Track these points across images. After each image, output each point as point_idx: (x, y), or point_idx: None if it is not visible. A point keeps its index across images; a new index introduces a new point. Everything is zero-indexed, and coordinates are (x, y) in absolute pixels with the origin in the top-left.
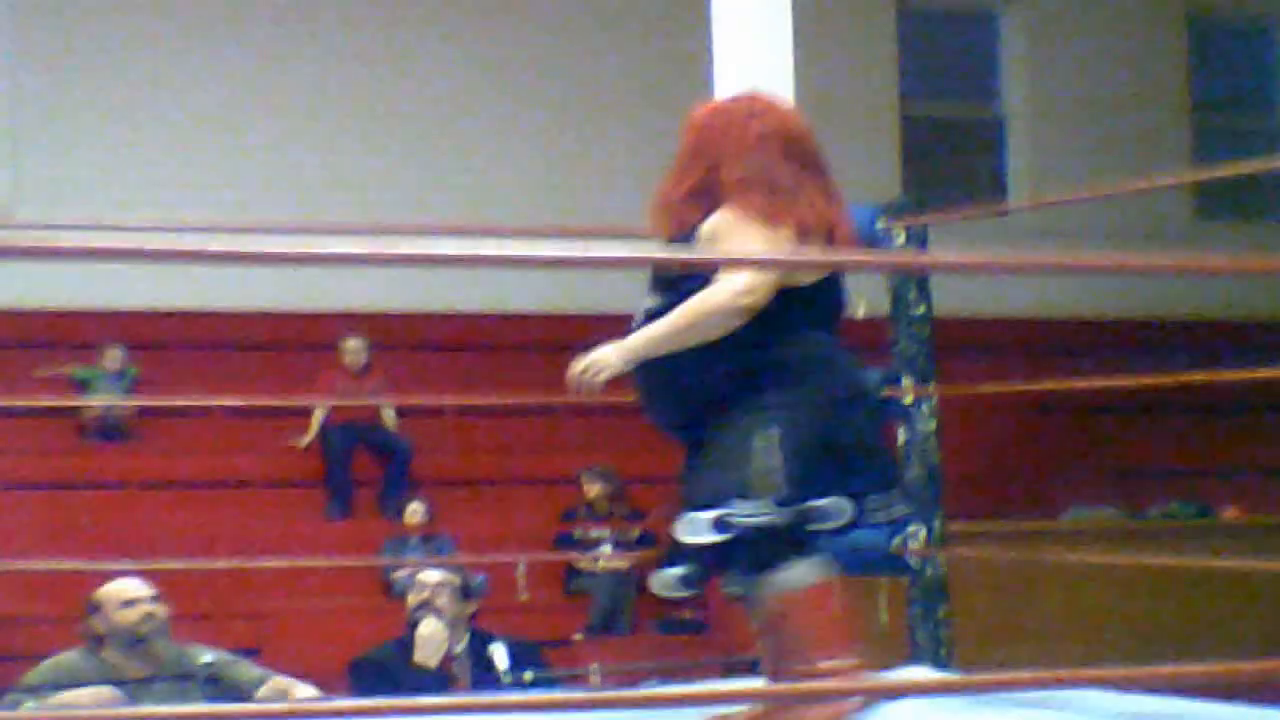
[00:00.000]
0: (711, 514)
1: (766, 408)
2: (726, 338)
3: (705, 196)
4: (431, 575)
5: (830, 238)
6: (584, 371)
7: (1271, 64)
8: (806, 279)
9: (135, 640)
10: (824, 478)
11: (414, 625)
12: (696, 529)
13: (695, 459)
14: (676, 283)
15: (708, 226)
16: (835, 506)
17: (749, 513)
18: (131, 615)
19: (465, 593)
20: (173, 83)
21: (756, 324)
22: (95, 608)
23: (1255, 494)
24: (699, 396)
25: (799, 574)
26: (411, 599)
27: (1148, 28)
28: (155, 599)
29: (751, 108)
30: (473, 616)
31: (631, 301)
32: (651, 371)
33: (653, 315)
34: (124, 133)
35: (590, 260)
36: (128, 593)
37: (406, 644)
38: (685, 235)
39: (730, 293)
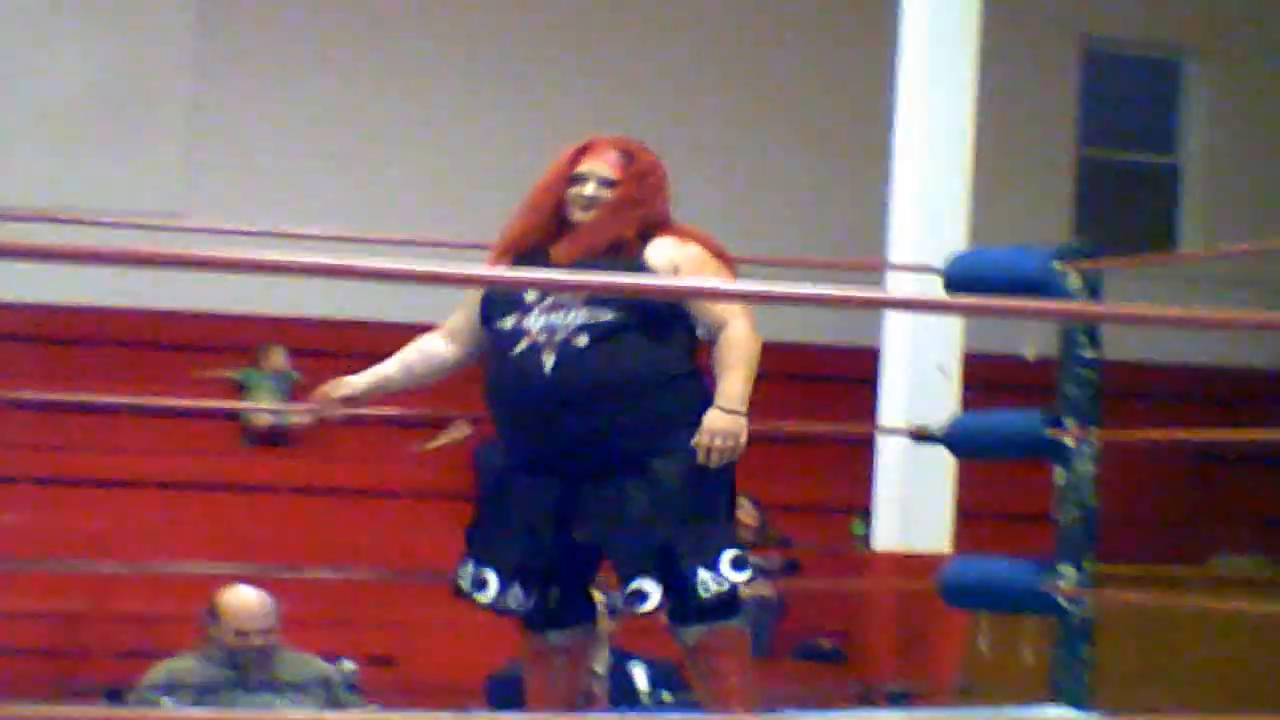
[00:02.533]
0: (730, 554)
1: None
2: (687, 370)
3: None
4: None
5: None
6: (724, 448)
7: None
8: None
9: (239, 665)
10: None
11: None
12: (722, 573)
13: (654, 491)
14: (632, 299)
15: (680, 257)
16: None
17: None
18: (239, 644)
19: (610, 611)
20: (348, 94)
21: (690, 356)
22: (215, 617)
23: None
24: (654, 426)
25: (743, 619)
26: None
27: None
28: (267, 632)
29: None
30: (612, 636)
31: (795, 331)
32: (605, 405)
33: (611, 330)
34: (297, 144)
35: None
36: (242, 622)
37: None
38: (621, 259)
39: (754, 332)
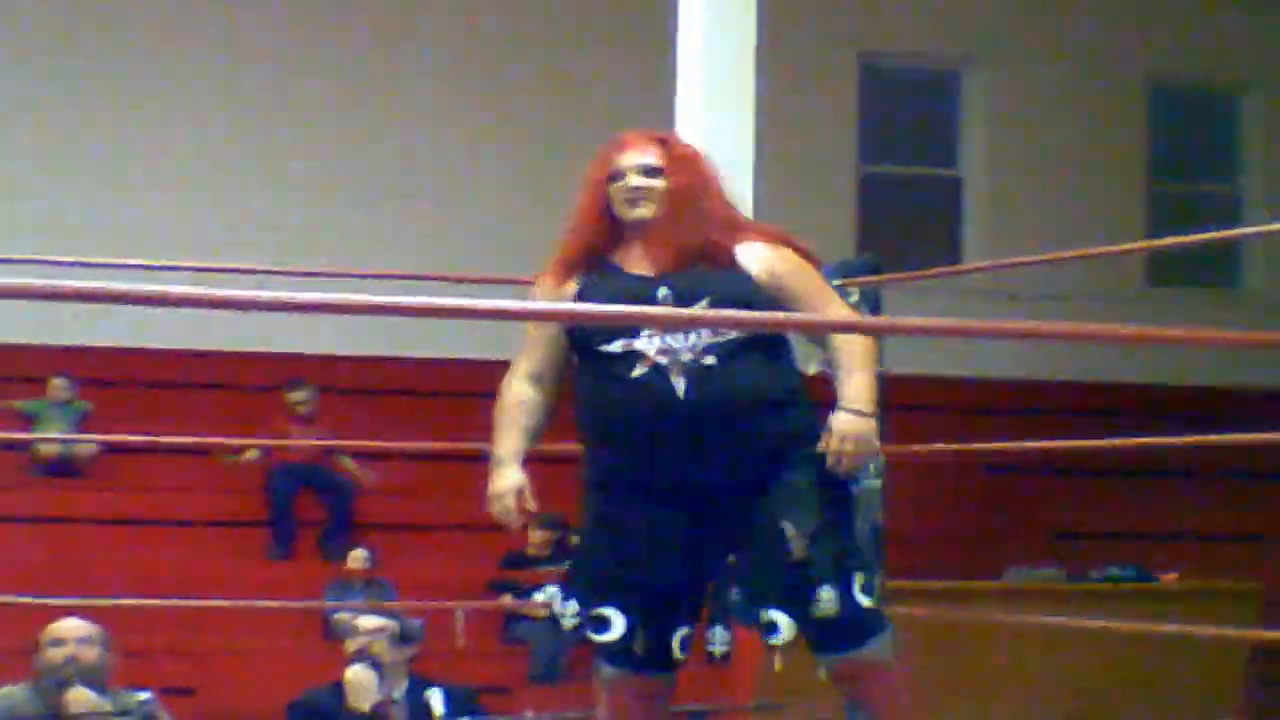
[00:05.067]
0: (860, 578)
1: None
2: (790, 381)
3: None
4: (368, 621)
5: None
6: (857, 454)
7: (1230, 131)
8: None
9: (59, 681)
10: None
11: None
12: (854, 597)
13: (786, 513)
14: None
15: (782, 266)
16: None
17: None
18: (56, 655)
19: (403, 638)
20: (137, 119)
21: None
22: (36, 644)
23: (1195, 559)
24: (785, 442)
25: (890, 642)
26: (349, 644)
27: (1107, 93)
28: (86, 640)
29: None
30: (410, 661)
31: None
32: (735, 421)
33: (737, 348)
34: (76, 169)
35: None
36: (56, 632)
37: (343, 688)
38: (720, 267)
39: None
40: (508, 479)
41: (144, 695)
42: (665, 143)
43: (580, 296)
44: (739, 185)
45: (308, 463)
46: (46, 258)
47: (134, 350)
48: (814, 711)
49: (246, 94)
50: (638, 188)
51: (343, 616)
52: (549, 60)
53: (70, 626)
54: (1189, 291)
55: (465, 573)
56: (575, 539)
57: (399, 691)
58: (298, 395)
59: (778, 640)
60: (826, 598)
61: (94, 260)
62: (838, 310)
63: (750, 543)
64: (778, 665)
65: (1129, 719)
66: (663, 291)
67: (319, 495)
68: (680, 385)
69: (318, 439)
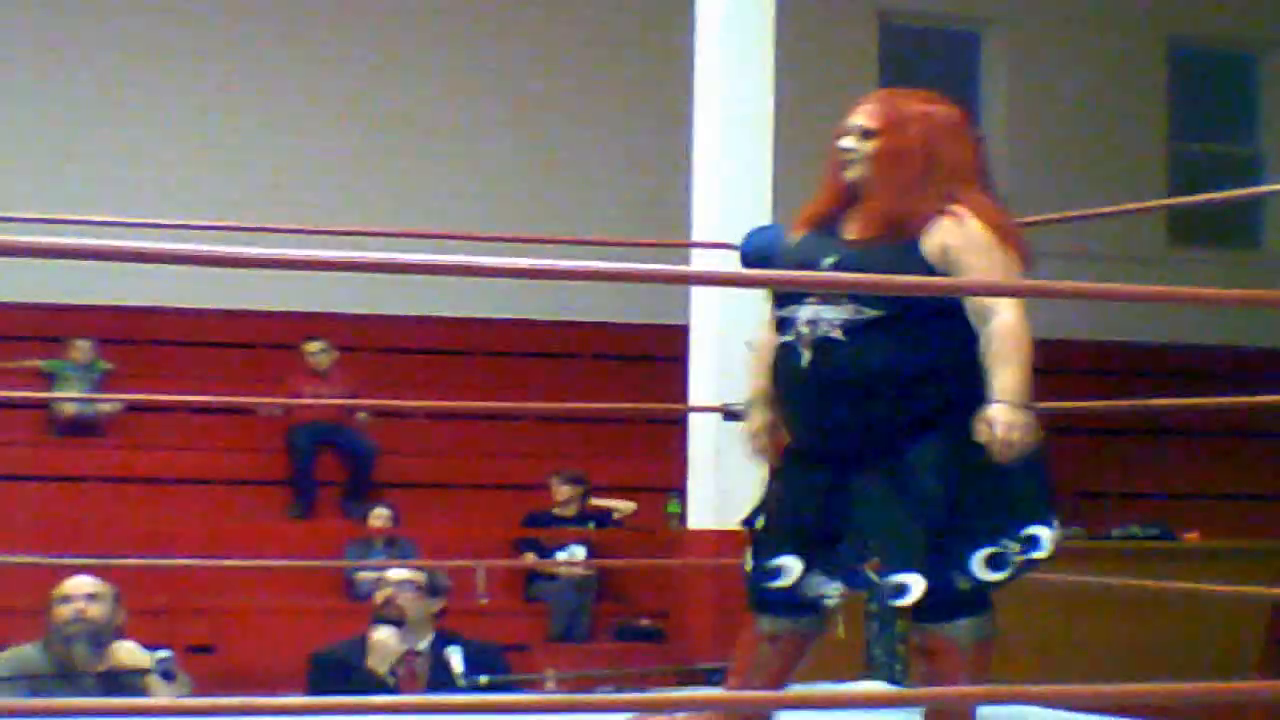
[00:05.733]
0: (986, 552)
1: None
2: (953, 363)
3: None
4: (396, 573)
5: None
6: (1018, 442)
7: (1251, 93)
8: None
9: (67, 638)
10: (1034, 505)
11: (383, 622)
12: (972, 568)
13: (916, 484)
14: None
15: (956, 240)
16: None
17: (1014, 550)
18: (63, 612)
19: (431, 590)
20: (155, 81)
21: (960, 343)
22: (61, 600)
23: (1217, 518)
24: (909, 421)
25: (985, 624)
26: (377, 596)
27: (1128, 52)
28: (92, 597)
29: (957, 114)
30: (438, 615)
31: (592, 310)
32: (855, 396)
33: (871, 324)
34: (109, 133)
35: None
36: (65, 589)
37: (367, 643)
38: (909, 243)
39: (1023, 320)
40: (757, 419)
41: (163, 653)
42: (890, 101)
43: (789, 253)
44: (757, 146)
45: (328, 421)
46: (63, 217)
47: (154, 309)
48: (832, 669)
49: (258, 55)
50: (848, 149)
51: (365, 575)
52: (559, 23)
53: (77, 583)
54: (1209, 252)
55: (487, 531)
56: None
57: (424, 643)
58: (314, 347)
59: (904, 601)
60: (914, 575)
61: (107, 219)
62: (995, 303)
63: (870, 509)
64: (841, 631)
65: (1149, 678)
66: (828, 260)
67: (340, 454)
68: (805, 357)
69: (338, 397)
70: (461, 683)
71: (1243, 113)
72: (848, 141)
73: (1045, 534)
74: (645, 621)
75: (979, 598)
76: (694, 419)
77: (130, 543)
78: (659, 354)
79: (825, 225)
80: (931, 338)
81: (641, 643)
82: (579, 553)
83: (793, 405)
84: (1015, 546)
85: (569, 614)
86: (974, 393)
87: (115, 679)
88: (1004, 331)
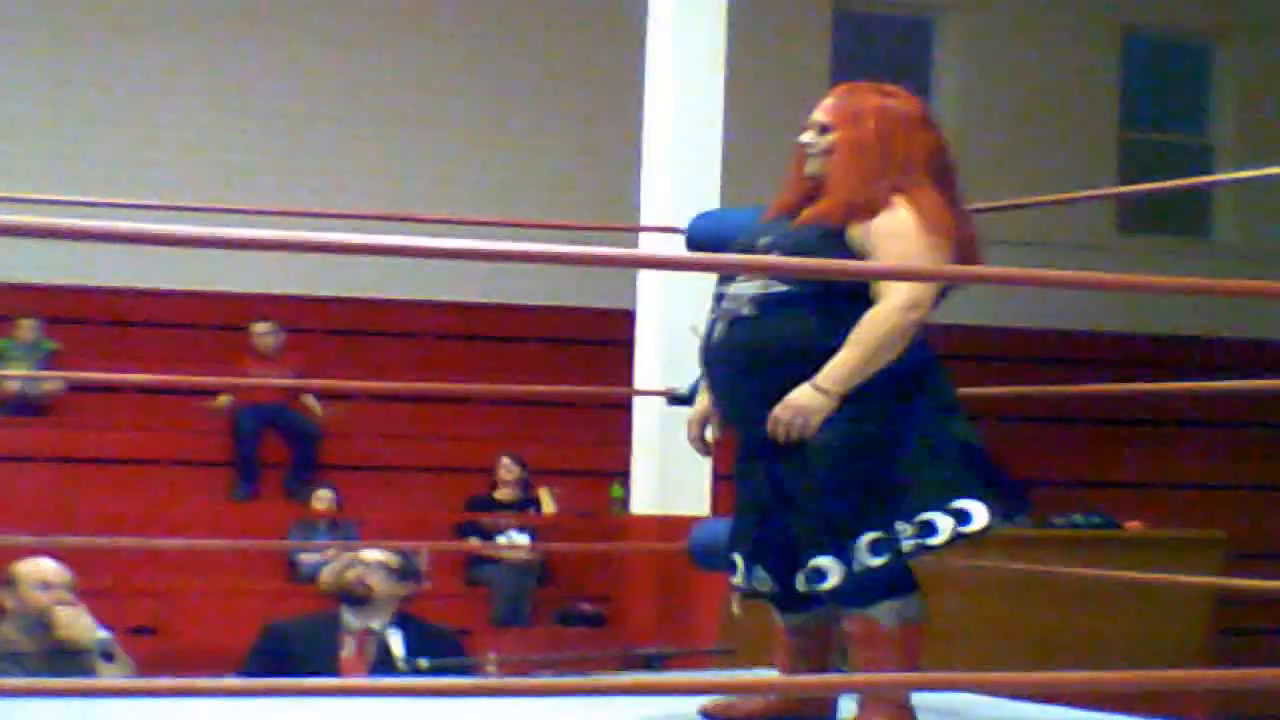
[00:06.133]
0: (870, 537)
1: (901, 413)
2: (839, 340)
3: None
4: (373, 553)
5: (965, 247)
6: (791, 424)
7: (1203, 83)
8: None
9: (42, 624)
10: (969, 482)
11: (348, 599)
12: (855, 554)
13: (821, 467)
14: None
15: (879, 226)
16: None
17: (903, 534)
18: (45, 598)
19: (403, 575)
20: (106, 58)
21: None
22: (9, 582)
23: (1160, 507)
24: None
25: (909, 606)
26: (350, 574)
27: (1082, 40)
28: (70, 586)
29: (921, 111)
30: (405, 600)
31: (539, 294)
32: (756, 370)
33: (780, 300)
34: (59, 112)
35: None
36: (46, 575)
37: (319, 623)
38: (837, 228)
39: (901, 310)
40: (695, 408)
41: (104, 634)
42: (847, 95)
43: (742, 236)
44: (708, 131)
45: (273, 403)
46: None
47: (100, 289)
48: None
49: (213, 33)
50: (807, 143)
51: (307, 556)
52: (515, 5)
53: (55, 569)
54: (1159, 241)
55: (430, 514)
56: None
57: (380, 624)
58: (261, 328)
59: (824, 587)
60: (824, 561)
61: (57, 198)
62: (887, 290)
63: (785, 492)
64: (736, 610)
65: (1091, 667)
66: (764, 240)
67: (284, 436)
68: (719, 330)
69: (284, 379)
70: (401, 666)
71: (1195, 103)
72: (807, 136)
73: (942, 520)
74: (587, 606)
75: (901, 580)
76: (639, 403)
77: (73, 523)
78: (605, 338)
79: (787, 216)
80: (838, 316)
81: (583, 627)
82: (520, 538)
83: (708, 378)
84: (910, 530)
85: (511, 598)
86: (877, 377)
87: (61, 654)
88: (870, 317)
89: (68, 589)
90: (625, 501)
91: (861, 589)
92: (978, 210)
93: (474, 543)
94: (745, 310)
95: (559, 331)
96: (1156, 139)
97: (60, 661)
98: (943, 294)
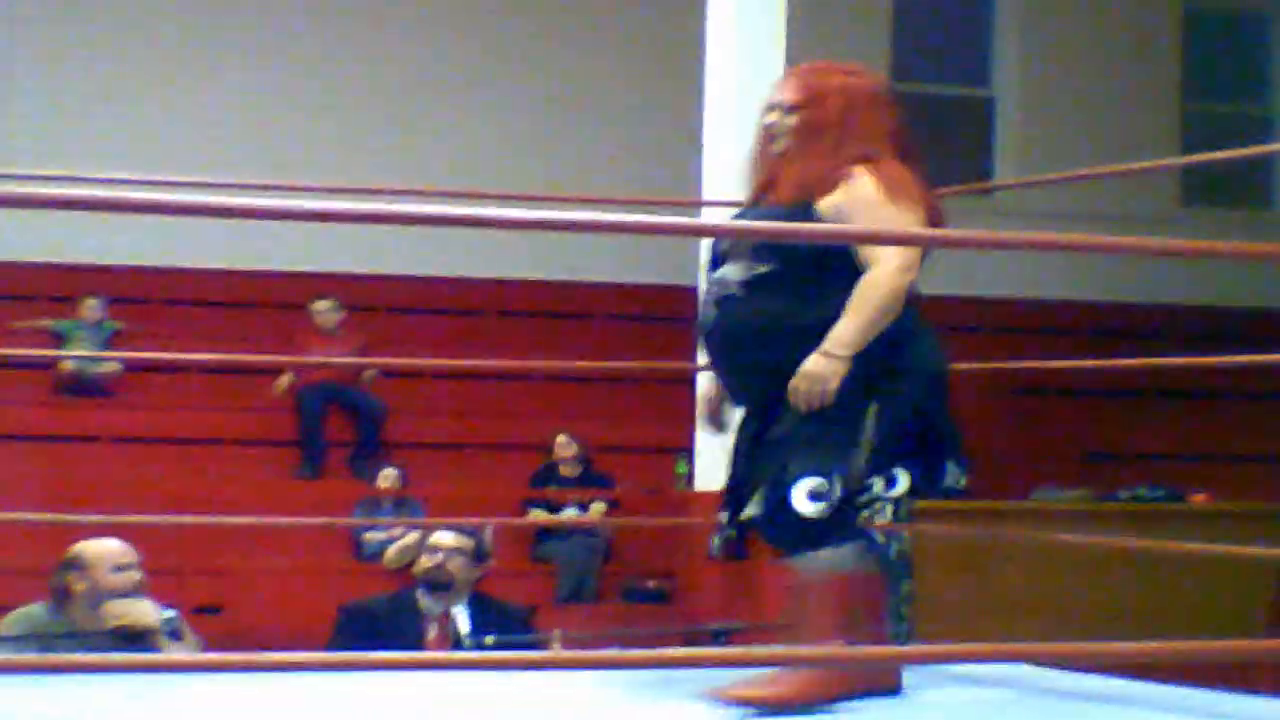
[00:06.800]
0: (808, 484)
1: (865, 379)
2: (826, 313)
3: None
4: (446, 539)
5: (932, 216)
6: (810, 392)
7: (1263, 52)
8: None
9: (92, 606)
10: (908, 449)
11: (427, 585)
12: (791, 499)
13: (786, 426)
14: (785, 248)
15: (846, 197)
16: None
17: (839, 486)
18: (122, 580)
19: (477, 557)
20: (160, 41)
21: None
22: (78, 565)
23: (1226, 480)
24: (791, 368)
25: (842, 557)
26: (425, 561)
27: (1142, 12)
28: (137, 565)
29: (882, 88)
30: (479, 580)
31: (602, 270)
32: (747, 347)
33: (762, 281)
34: (111, 89)
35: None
36: (120, 558)
37: (399, 600)
38: (805, 204)
39: (894, 274)
40: (707, 387)
41: (170, 613)
42: (810, 75)
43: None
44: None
45: (337, 382)
46: (73, 174)
47: (163, 269)
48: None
49: (277, 13)
50: (772, 124)
51: (373, 535)
52: None
53: (126, 550)
54: (1223, 212)
55: (495, 491)
56: None
57: (458, 607)
58: (321, 306)
59: (749, 514)
60: (755, 500)
61: (109, 176)
62: (875, 258)
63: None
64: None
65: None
66: (723, 246)
67: (348, 414)
68: (710, 314)
69: (346, 357)
70: (467, 643)
71: (1255, 73)
72: (772, 117)
73: (905, 477)
74: (652, 583)
75: (838, 531)
76: (702, 379)
77: (138, 503)
78: (668, 315)
79: (758, 196)
80: (823, 291)
81: (649, 603)
82: (587, 512)
83: (709, 359)
84: (840, 484)
85: (577, 575)
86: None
87: (125, 638)
88: (863, 283)
89: (136, 568)
90: (689, 478)
91: (795, 535)
92: (1036, 181)
93: (540, 516)
94: (734, 290)
95: (623, 308)
96: (1218, 110)
97: (125, 644)
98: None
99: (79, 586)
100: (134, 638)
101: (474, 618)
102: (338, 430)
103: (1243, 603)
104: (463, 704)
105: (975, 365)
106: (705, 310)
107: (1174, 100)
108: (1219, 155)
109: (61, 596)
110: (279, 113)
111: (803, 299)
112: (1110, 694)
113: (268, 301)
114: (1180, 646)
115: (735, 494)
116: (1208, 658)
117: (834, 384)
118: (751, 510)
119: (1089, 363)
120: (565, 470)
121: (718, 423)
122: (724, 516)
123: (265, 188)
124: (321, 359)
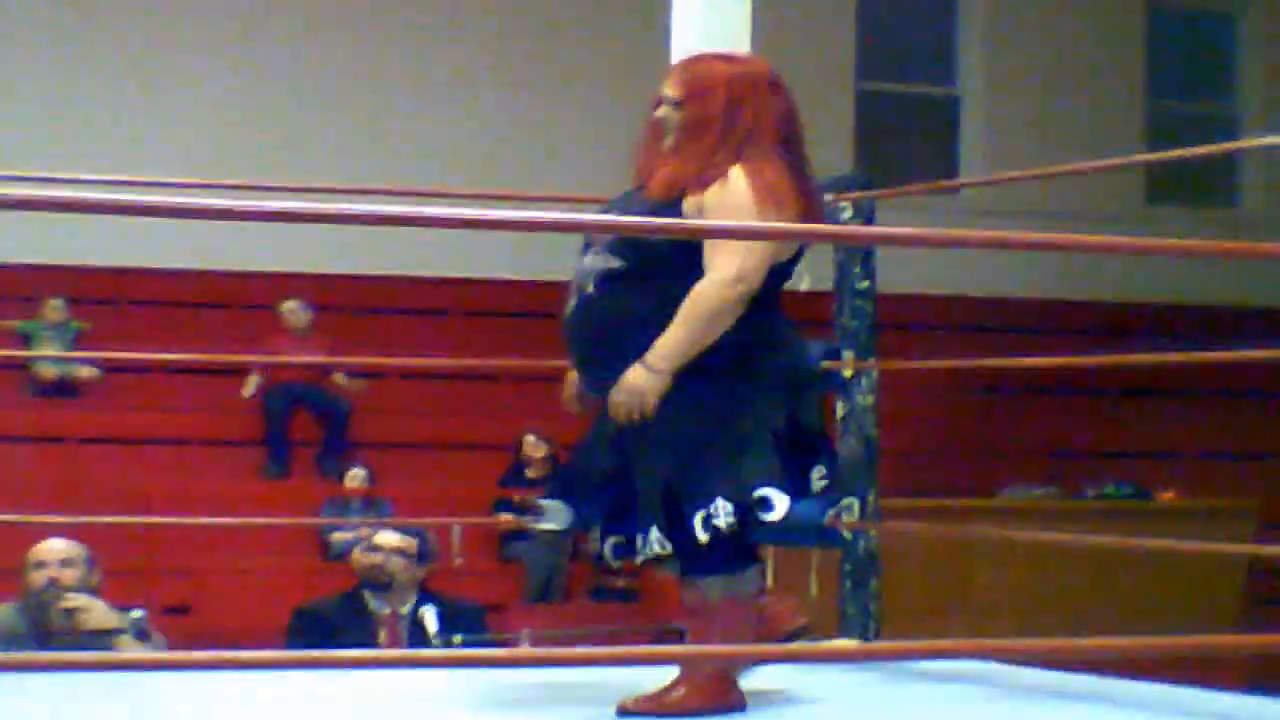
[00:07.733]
0: (702, 513)
1: (732, 390)
2: (671, 316)
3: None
4: (389, 539)
5: (807, 214)
6: (629, 405)
7: (1229, 51)
8: (787, 255)
9: (41, 604)
10: (784, 463)
11: (369, 585)
12: (692, 528)
13: (655, 441)
14: (641, 244)
15: (712, 198)
16: (778, 495)
17: (730, 514)
18: (38, 578)
19: (419, 558)
20: (132, 40)
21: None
22: (36, 565)
23: (1193, 478)
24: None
25: (745, 582)
26: (366, 561)
27: (1106, 10)
28: (66, 562)
29: (765, 77)
30: (423, 580)
31: (569, 270)
32: (595, 342)
33: (617, 276)
34: (73, 90)
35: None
36: (39, 554)
37: (351, 600)
38: (675, 201)
39: (724, 284)
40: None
41: (137, 614)
42: (689, 67)
43: (606, 211)
44: None
45: (303, 381)
46: (33, 174)
47: (128, 270)
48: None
49: (246, 15)
50: (661, 118)
51: (340, 535)
52: None
53: (50, 548)
54: (1188, 211)
55: (462, 491)
56: None
57: (406, 607)
58: (289, 305)
59: (653, 553)
60: (654, 538)
61: (79, 177)
62: (721, 254)
63: (630, 460)
64: (814, 590)
65: (1123, 636)
66: (590, 242)
67: (315, 414)
68: (569, 306)
69: (314, 357)
70: (436, 642)
71: (1221, 72)
72: (662, 112)
73: (777, 496)
74: (620, 582)
75: (734, 554)
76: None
77: (105, 503)
78: None
79: (634, 190)
80: (671, 294)
81: (617, 603)
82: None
83: (569, 354)
84: (726, 509)
85: (544, 575)
86: (713, 353)
87: (90, 640)
88: (695, 292)
89: (82, 564)
90: None
91: (692, 560)
92: (1001, 180)
93: (506, 519)
94: (589, 285)
95: None
96: (1184, 109)
97: (86, 644)
98: (792, 264)
99: (37, 585)
100: (94, 636)
101: (440, 617)
102: (304, 430)
103: (1211, 599)
104: (429, 701)
105: (942, 363)
106: (568, 298)
107: (1139, 99)
108: (1184, 153)
109: (24, 596)
110: (249, 112)
111: (650, 299)
112: (1078, 690)
113: (236, 302)
114: (1147, 642)
115: (616, 503)
116: (1175, 653)
117: (652, 399)
118: (656, 550)
119: (1056, 360)
120: (533, 471)
121: (577, 406)
122: (609, 542)
123: (231, 187)
124: (290, 359)
